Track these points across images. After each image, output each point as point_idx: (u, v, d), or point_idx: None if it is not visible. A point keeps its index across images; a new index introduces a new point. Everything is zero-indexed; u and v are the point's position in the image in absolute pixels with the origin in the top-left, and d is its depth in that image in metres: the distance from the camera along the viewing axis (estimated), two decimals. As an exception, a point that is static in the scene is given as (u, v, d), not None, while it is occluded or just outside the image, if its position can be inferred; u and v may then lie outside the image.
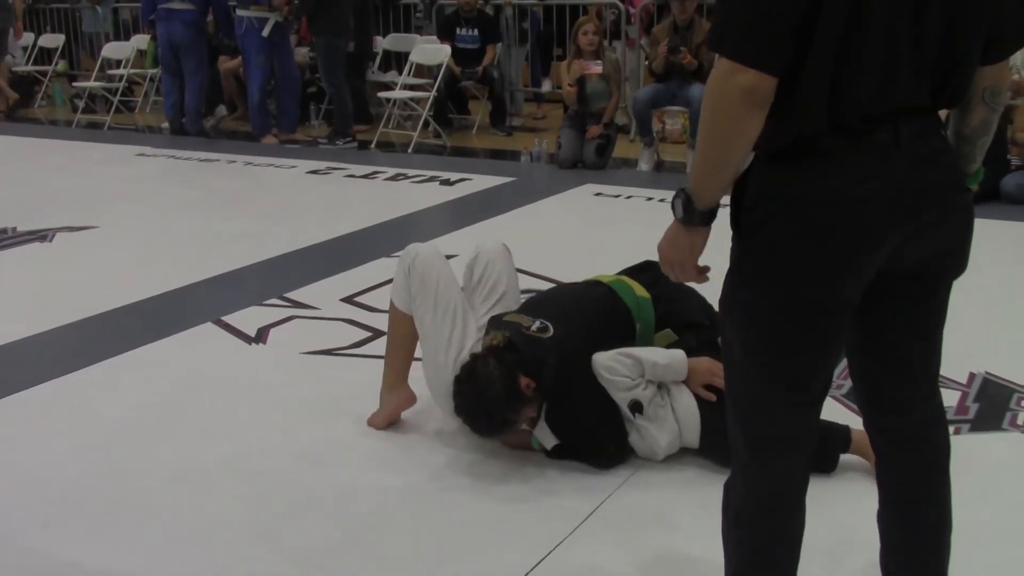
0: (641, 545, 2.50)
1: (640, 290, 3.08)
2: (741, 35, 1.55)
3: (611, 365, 2.81)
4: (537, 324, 2.89)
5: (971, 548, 2.21)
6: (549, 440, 2.87)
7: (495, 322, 2.98)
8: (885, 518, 1.94)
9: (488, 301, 3.10)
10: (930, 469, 1.88)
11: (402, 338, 3.11)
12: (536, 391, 2.79)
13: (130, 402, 3.38)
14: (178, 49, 8.90)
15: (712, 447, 2.83)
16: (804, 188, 1.63)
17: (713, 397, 2.81)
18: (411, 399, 3.14)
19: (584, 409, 2.87)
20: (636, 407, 2.81)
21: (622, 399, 2.81)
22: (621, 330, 3.00)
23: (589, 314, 3.00)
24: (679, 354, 2.87)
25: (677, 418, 2.85)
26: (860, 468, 2.75)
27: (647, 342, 3.01)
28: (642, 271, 3.17)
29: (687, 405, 2.85)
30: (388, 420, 3.13)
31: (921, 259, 1.70)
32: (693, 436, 2.86)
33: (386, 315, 3.22)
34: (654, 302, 3.07)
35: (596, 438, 2.89)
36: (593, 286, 3.14)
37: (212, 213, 6.25)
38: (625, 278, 3.13)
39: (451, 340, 2.93)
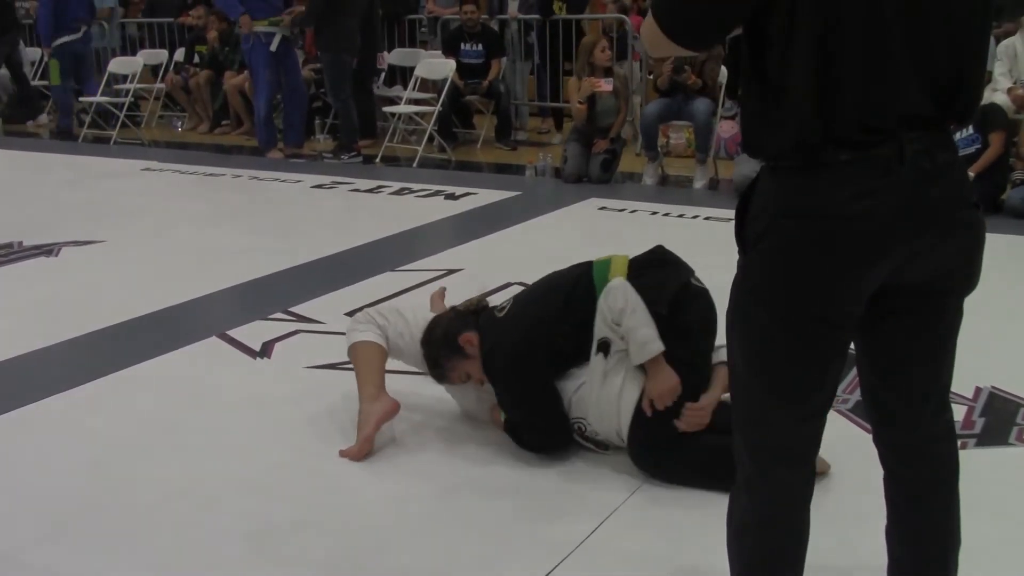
0: (647, 558, 2.50)
1: (619, 273, 2.96)
2: (672, 7, 1.65)
3: (610, 294, 2.83)
4: (506, 305, 3.09)
5: (978, 563, 2.19)
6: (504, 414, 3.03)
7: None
8: (893, 533, 1.93)
9: None
10: (938, 485, 1.87)
11: (372, 360, 3.16)
12: (480, 351, 3.00)
13: (134, 417, 3.38)
14: (81, 62, 10.72)
15: (642, 452, 2.85)
16: (804, 201, 1.63)
17: (649, 411, 2.80)
18: (394, 406, 3.09)
19: (504, 383, 3.00)
20: (603, 346, 2.85)
21: (599, 330, 2.86)
22: (582, 316, 2.93)
23: (546, 299, 3.04)
24: (653, 347, 2.78)
25: (621, 393, 2.84)
26: (866, 481, 2.73)
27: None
28: (650, 253, 3.11)
29: (633, 391, 2.84)
30: (368, 440, 3.03)
31: (926, 276, 1.69)
32: (625, 423, 2.86)
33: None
34: None
35: (512, 412, 2.98)
36: (576, 267, 3.11)
37: (217, 227, 6.26)
38: (617, 257, 3.04)
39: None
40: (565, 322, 2.95)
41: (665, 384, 2.80)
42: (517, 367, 2.96)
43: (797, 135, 1.61)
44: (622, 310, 2.80)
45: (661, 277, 2.95)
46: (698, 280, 3.01)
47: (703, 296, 2.95)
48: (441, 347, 3.05)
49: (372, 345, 3.19)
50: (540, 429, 2.99)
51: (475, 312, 3.13)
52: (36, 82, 12.14)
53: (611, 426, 2.91)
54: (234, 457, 3.07)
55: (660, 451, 2.82)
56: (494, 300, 3.38)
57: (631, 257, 3.06)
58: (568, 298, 2.99)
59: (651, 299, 2.88)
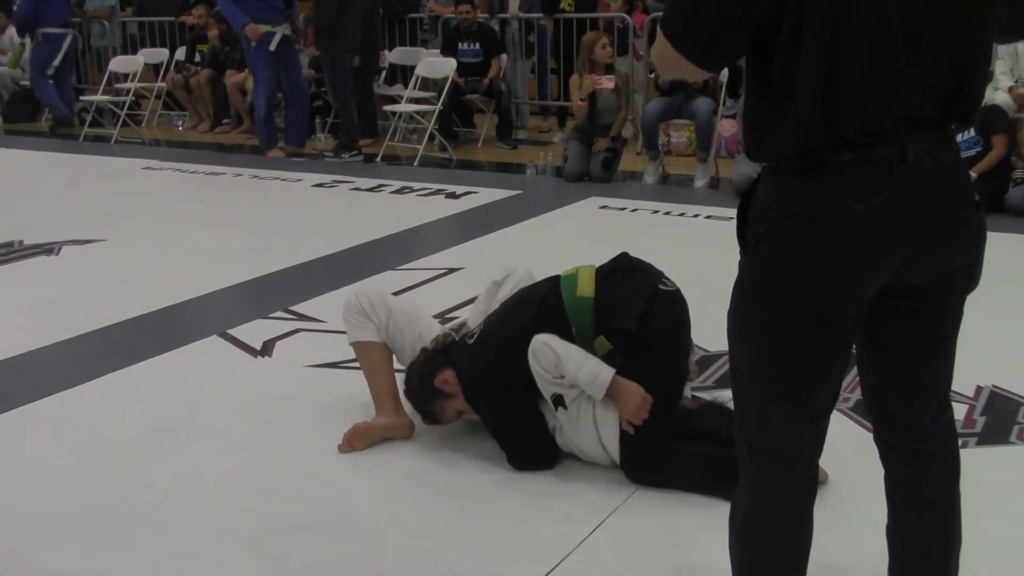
0: (647, 558, 2.49)
1: (587, 287, 2.94)
2: (686, 27, 1.62)
3: (536, 354, 2.80)
4: (476, 329, 3.08)
5: (979, 563, 2.20)
6: None
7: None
8: (894, 533, 1.93)
9: None
10: (939, 485, 1.87)
11: (380, 363, 3.20)
12: (459, 388, 3.01)
13: (134, 416, 3.38)
14: (67, 57, 10.88)
15: (631, 467, 2.82)
16: (806, 203, 1.63)
17: (631, 430, 2.78)
18: (408, 429, 3.14)
19: (488, 412, 3.00)
20: (558, 400, 2.84)
21: (545, 390, 2.84)
22: (551, 331, 2.89)
23: (514, 320, 3.00)
24: (602, 378, 2.76)
25: (598, 429, 2.83)
26: (868, 481, 2.73)
27: (585, 345, 2.90)
28: (615, 262, 3.07)
29: (609, 421, 2.82)
30: (358, 433, 3.07)
31: (928, 276, 1.68)
32: (613, 452, 2.85)
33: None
34: (597, 302, 2.91)
35: (501, 438, 2.98)
36: (544, 283, 3.09)
37: (218, 226, 6.26)
38: (584, 271, 3.00)
39: (415, 348, 3.19)
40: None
41: (633, 401, 2.77)
42: (496, 393, 2.94)
43: (800, 137, 1.60)
44: (556, 364, 2.78)
45: (629, 290, 2.91)
46: (666, 283, 2.94)
47: (671, 300, 2.91)
48: (421, 395, 3.06)
49: (379, 348, 3.20)
50: (525, 453, 2.96)
51: (445, 349, 3.10)
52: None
53: (603, 459, 2.89)
54: (234, 457, 3.07)
55: (650, 466, 2.81)
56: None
57: (597, 267, 3.03)
58: (537, 315, 2.94)
59: (619, 314, 2.87)
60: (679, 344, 2.93)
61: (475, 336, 3.05)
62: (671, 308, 2.91)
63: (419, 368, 3.08)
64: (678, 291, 2.95)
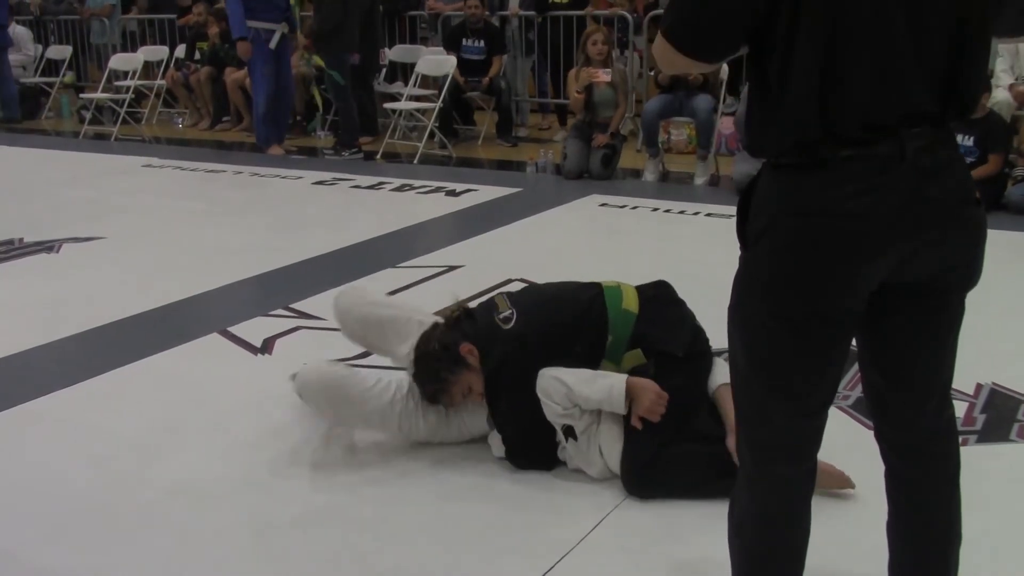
0: (648, 555, 2.49)
1: (632, 303, 2.98)
2: (680, 21, 1.67)
3: (547, 389, 2.80)
4: (507, 312, 2.98)
5: (979, 560, 2.20)
6: (498, 448, 2.95)
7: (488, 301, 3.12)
8: (894, 530, 1.93)
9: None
10: (939, 482, 1.87)
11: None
12: (480, 363, 2.91)
13: (135, 413, 3.38)
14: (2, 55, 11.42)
15: (629, 479, 2.78)
16: (805, 199, 1.63)
17: (639, 426, 2.77)
18: None
19: (508, 402, 2.92)
20: (569, 432, 2.82)
21: (555, 423, 2.83)
22: (592, 338, 2.93)
23: (558, 316, 2.98)
24: (617, 388, 2.76)
25: (601, 448, 2.82)
26: (867, 477, 2.73)
27: (615, 357, 2.94)
28: (653, 285, 3.11)
29: (612, 436, 2.81)
30: None
31: (927, 273, 1.68)
32: (615, 465, 2.83)
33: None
34: (638, 319, 2.95)
35: (510, 431, 2.93)
36: (586, 288, 3.08)
37: (218, 224, 6.26)
38: (627, 287, 3.05)
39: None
40: (575, 343, 2.91)
41: (648, 397, 2.77)
42: (526, 386, 2.86)
43: (797, 133, 1.61)
44: (566, 394, 2.77)
45: (675, 318, 2.99)
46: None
47: (701, 330, 3.01)
48: (442, 359, 2.91)
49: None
50: (527, 453, 2.94)
51: (459, 324, 3.03)
52: (37, 78, 12.17)
53: (606, 475, 2.87)
54: (235, 454, 3.07)
55: (651, 472, 2.78)
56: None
57: (636, 286, 3.07)
58: (579, 320, 2.95)
59: (666, 338, 2.91)
60: (702, 364, 2.97)
61: (511, 322, 2.96)
62: (701, 336, 2.99)
63: (440, 334, 2.97)
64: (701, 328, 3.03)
